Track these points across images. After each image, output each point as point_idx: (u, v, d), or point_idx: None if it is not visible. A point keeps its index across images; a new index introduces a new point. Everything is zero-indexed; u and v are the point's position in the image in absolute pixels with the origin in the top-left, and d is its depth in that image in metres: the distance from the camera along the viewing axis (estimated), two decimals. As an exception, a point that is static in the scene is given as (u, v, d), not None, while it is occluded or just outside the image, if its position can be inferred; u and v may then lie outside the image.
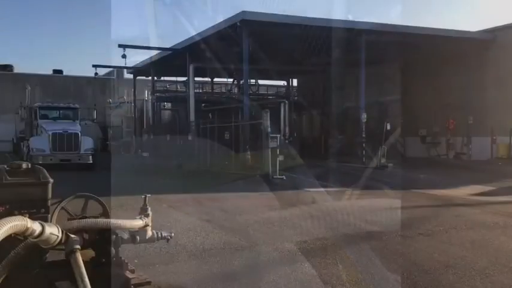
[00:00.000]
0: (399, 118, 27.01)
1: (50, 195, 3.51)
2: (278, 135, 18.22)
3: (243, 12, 19.83)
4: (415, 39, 23.01)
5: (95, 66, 31.23)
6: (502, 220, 9.10)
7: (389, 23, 22.43)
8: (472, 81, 24.40)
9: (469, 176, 17.74)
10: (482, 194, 13.70)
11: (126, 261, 3.37)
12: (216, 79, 37.49)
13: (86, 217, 3.24)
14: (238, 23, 19.97)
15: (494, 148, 23.36)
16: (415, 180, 16.77)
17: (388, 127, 21.39)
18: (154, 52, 29.42)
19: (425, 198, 12.82)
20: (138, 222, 3.28)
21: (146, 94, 35.92)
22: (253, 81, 35.85)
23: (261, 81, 39.11)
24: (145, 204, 3.44)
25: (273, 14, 20.58)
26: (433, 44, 23.84)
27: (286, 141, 26.19)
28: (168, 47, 27.86)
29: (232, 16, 20.56)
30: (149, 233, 3.42)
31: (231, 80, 36.29)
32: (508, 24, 24.35)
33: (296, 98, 36.45)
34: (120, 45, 24.42)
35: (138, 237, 3.35)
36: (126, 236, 3.29)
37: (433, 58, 25.80)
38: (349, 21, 21.68)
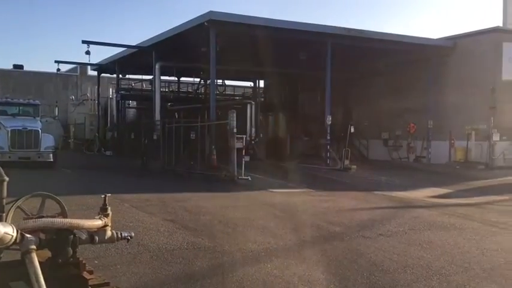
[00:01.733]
0: (363, 121, 27.56)
1: (5, 194, 3.40)
2: (244, 136, 18.23)
3: (211, 12, 19.75)
4: (380, 45, 23.48)
5: (57, 62, 30.44)
6: (459, 222, 9.41)
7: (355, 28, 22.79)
8: (433, 87, 25.10)
9: (428, 178, 18.25)
10: (440, 197, 14.13)
11: (84, 261, 3.30)
12: (182, 78, 37.21)
13: (42, 217, 3.16)
14: (205, 23, 19.88)
15: (452, 152, 24.08)
16: (377, 182, 17.14)
17: (352, 130, 21.74)
18: (120, 49, 28.92)
19: (386, 199, 13.10)
20: (97, 222, 3.22)
21: (110, 92, 35.29)
22: (220, 81, 35.77)
23: (228, 82, 39.07)
24: (105, 204, 3.38)
25: (240, 14, 20.57)
26: (397, 50, 24.40)
27: (252, 142, 26.29)
28: (134, 44, 27.43)
29: (200, 16, 20.44)
30: (109, 233, 3.36)
31: (198, 79, 36.11)
32: (467, 32, 25.19)
33: (263, 99, 36.60)
34: (84, 41, 23.89)
35: (96, 238, 3.29)
36: (84, 236, 3.23)
37: (397, 63, 26.39)
38: (315, 24, 21.90)
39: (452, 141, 23.92)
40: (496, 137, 22.22)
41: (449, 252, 6.94)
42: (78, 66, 41.18)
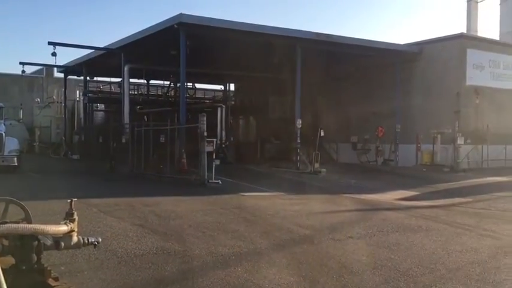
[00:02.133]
0: (333, 125, 27.87)
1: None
2: (214, 140, 18.18)
3: (181, 14, 19.62)
4: (349, 49, 23.84)
5: (22, 63, 29.66)
6: (425, 223, 9.61)
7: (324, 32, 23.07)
8: (401, 91, 25.64)
9: (396, 181, 18.59)
10: (407, 199, 14.40)
11: (49, 268, 3.20)
12: (152, 81, 36.83)
13: (5, 222, 3.05)
14: (175, 25, 19.75)
15: (419, 155, 24.63)
16: (346, 185, 17.35)
17: (322, 133, 21.97)
18: (88, 51, 28.39)
19: (355, 202, 13.27)
20: (62, 228, 3.13)
21: (78, 94, 34.60)
22: (190, 84, 35.57)
23: (198, 85, 38.91)
24: (71, 209, 3.29)
25: (210, 18, 20.50)
26: (365, 55, 24.81)
27: (223, 145, 26.24)
28: (102, 46, 26.99)
29: (170, 18, 20.29)
30: (75, 238, 3.27)
31: (168, 82, 35.82)
32: (433, 38, 25.86)
33: (233, 102, 36.60)
34: (50, 43, 23.33)
35: (62, 243, 3.20)
36: (49, 242, 3.13)
37: (366, 68, 26.85)
38: (285, 29, 22.06)
39: (419, 145, 24.47)
40: (460, 141, 22.85)
41: (416, 254, 7.07)
42: (44, 68, 40.23)
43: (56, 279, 3.24)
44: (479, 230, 9.09)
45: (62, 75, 35.64)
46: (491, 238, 8.36)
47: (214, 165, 16.40)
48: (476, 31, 44.51)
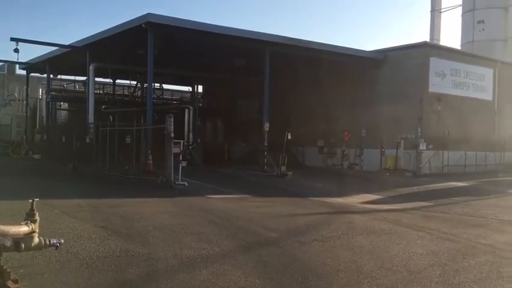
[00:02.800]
0: (300, 128, 28.11)
1: None
2: (181, 141, 18.03)
3: (148, 14, 19.39)
4: (317, 54, 24.12)
5: (-18, 59, 28.64)
6: (388, 227, 9.81)
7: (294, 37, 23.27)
8: (366, 97, 26.11)
9: (361, 185, 18.90)
10: (371, 202, 14.68)
11: (8, 270, 3.11)
12: (118, 81, 36.22)
13: (-38, 223, 2.95)
14: (143, 25, 19.51)
15: (383, 160, 25.13)
16: (312, 188, 17.53)
17: (289, 137, 22.11)
18: (52, 48, 27.68)
19: (321, 205, 13.43)
20: (23, 229, 3.05)
21: (40, 92, 33.69)
22: (157, 85, 35.19)
23: (165, 86, 38.53)
24: (32, 209, 3.21)
25: (178, 18, 20.33)
26: (332, 60, 25.15)
27: (190, 147, 26.05)
28: (67, 43, 26.34)
29: (137, 17, 20.01)
30: (36, 240, 3.19)
31: (135, 82, 35.32)
32: (397, 46, 26.47)
33: (201, 104, 36.43)
34: (12, 39, 22.65)
35: (22, 245, 3.12)
36: (9, 243, 3.04)
37: (332, 73, 27.20)
38: (254, 32, 22.12)
39: (383, 150, 24.95)
40: (422, 146, 23.43)
41: (379, 256, 7.21)
42: (6, 64, 38.97)
43: (15, 281, 3.16)
44: (439, 233, 9.34)
45: (24, 72, 34.63)
46: (451, 241, 8.61)
47: (181, 167, 16.27)
48: (439, 40, 46.04)
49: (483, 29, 40.59)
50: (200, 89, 39.94)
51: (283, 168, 20.87)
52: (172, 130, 16.05)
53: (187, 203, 12.49)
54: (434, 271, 6.49)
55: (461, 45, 41.98)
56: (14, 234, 2.98)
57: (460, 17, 43.48)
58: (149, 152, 18.46)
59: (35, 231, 3.16)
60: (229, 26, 22.10)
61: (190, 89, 39.19)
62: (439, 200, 15.12)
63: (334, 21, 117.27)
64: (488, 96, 28.55)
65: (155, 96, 31.34)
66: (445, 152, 24.76)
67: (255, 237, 8.26)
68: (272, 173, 21.17)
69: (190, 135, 27.25)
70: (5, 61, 34.63)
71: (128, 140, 19.53)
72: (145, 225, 8.92)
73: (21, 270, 5.45)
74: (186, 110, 28.11)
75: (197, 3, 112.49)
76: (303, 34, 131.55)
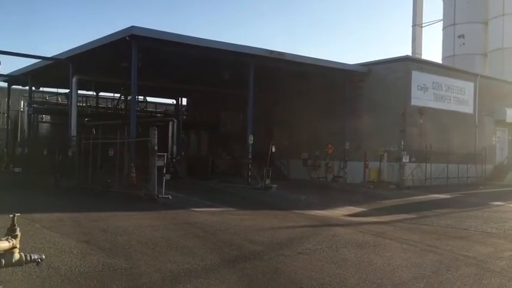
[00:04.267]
0: (284, 141, 28.21)
1: None
2: (165, 154, 17.93)
3: (132, 27, 19.36)
4: (300, 67, 24.30)
5: (-38, 71, 28.20)
6: (372, 239, 9.85)
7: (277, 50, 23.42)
8: (350, 110, 26.36)
9: (345, 198, 18.98)
10: (355, 215, 14.73)
11: (-13, 287, 3.04)
12: (101, 93, 35.98)
13: None
14: (127, 37, 19.46)
15: (367, 172, 25.30)
16: (296, 201, 17.54)
17: (273, 149, 22.16)
18: (34, 60, 27.41)
19: (305, 218, 13.43)
20: (3, 244, 2.99)
21: (22, 105, 33.25)
22: (141, 97, 35.05)
23: (149, 98, 38.40)
24: (13, 225, 3.15)
25: (162, 31, 20.34)
26: (316, 73, 25.36)
27: (174, 160, 25.92)
28: (50, 56, 26.11)
29: (121, 30, 19.96)
30: (16, 255, 3.13)
31: (118, 95, 35.13)
32: (380, 60, 26.84)
33: (185, 117, 36.36)
34: (-7, 51, 22.37)
35: (3, 260, 3.05)
36: (-12, 259, 2.98)
37: (317, 86, 27.44)
38: (238, 45, 22.22)
39: (367, 162, 25.14)
40: (405, 159, 23.68)
41: (363, 269, 7.22)
42: (-14, 76, 38.41)
43: (-6, 298, 3.08)
44: (422, 245, 9.40)
45: (5, 84, 34.15)
46: (434, 253, 8.67)
47: (164, 180, 16.15)
48: (421, 54, 46.82)
49: (463, 43, 41.42)
50: (184, 101, 39.91)
51: (268, 181, 20.87)
52: (156, 143, 15.96)
53: (170, 217, 12.37)
54: (418, 283, 6.52)
55: (443, 59, 42.74)
56: (-7, 250, 2.92)
57: (441, 32, 44.33)
58: (132, 165, 18.30)
59: (16, 247, 3.10)
60: (215, 38, 22.16)
61: (174, 102, 39.12)
62: (422, 212, 15.25)
63: (318, 34, 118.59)
64: (469, 109, 29.05)
65: (139, 108, 31.18)
66: (428, 165, 25.05)
67: (239, 251, 8.22)
68: (256, 186, 21.14)
69: (174, 148, 27.14)
70: (-14, 73, 34.13)
71: (111, 152, 19.33)
72: (128, 239, 8.82)
73: (1, 286, 5.33)
74: (170, 123, 28.01)
75: (183, 15, 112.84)
76: (287, 47, 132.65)
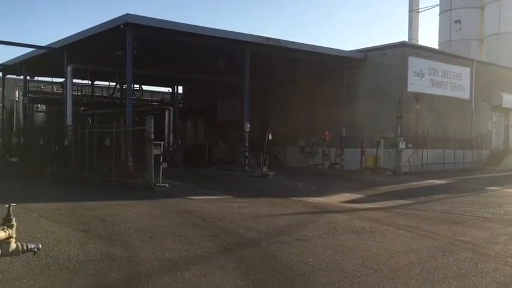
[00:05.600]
0: (281, 128, 28.20)
1: None
2: (162, 142, 17.89)
3: (127, 14, 19.18)
4: (296, 54, 24.20)
5: (-45, 60, 27.98)
6: (369, 225, 9.90)
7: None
8: (346, 96, 26.34)
9: (341, 184, 19.04)
10: (352, 201, 14.79)
11: (-16, 277, 3.04)
12: (97, 82, 35.78)
13: None
14: (122, 25, 19.30)
15: (364, 159, 25.36)
16: (293, 189, 17.58)
17: (270, 137, 22.14)
18: (28, 49, 27.19)
19: (302, 205, 13.48)
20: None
21: (17, 94, 33.08)
22: (137, 86, 34.89)
23: (145, 87, 38.24)
24: (9, 214, 3.15)
25: (158, 19, 20.16)
26: (312, 60, 25.26)
27: (170, 148, 25.90)
28: (44, 45, 25.90)
29: (116, 18, 19.79)
30: (13, 245, 3.13)
31: (114, 84, 34.96)
32: (376, 46, 26.73)
33: (181, 105, 36.25)
34: (-13, 40, 22.19)
35: (-1, 250, 3.05)
36: (-15, 249, 2.98)
37: (313, 73, 27.36)
38: (234, 32, 22.08)
39: (363, 149, 25.18)
40: (402, 145, 23.73)
41: (360, 255, 7.27)
42: (-20, 66, 38.15)
43: (-8, 288, 3.08)
44: (419, 230, 9.47)
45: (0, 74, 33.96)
46: (430, 238, 8.73)
47: (161, 169, 16.16)
48: (417, 40, 46.67)
49: (460, 29, 41.31)
50: (180, 89, 39.77)
51: (265, 168, 20.89)
52: (152, 131, 15.91)
53: (168, 205, 12.40)
54: (414, 268, 6.57)
55: (439, 44, 42.65)
56: (-11, 240, 2.92)
57: (438, 17, 44.17)
58: (129, 153, 18.27)
59: (12, 237, 3.10)
60: (210, 26, 22.03)
61: (170, 90, 38.97)
62: (418, 198, 15.32)
63: (313, 21, 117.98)
64: (465, 94, 29.06)
65: (135, 97, 31.07)
66: (424, 151, 25.12)
67: (236, 238, 8.25)
68: (253, 174, 21.17)
69: (171, 136, 27.09)
70: (-20, 63, 33.87)
71: (107, 142, 19.27)
72: (126, 228, 8.84)
73: (-1, 276, 5.35)
74: (166, 111, 27.93)
75: (177, 3, 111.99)
76: (283, 34, 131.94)
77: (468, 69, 29.15)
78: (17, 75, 33.20)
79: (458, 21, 41.37)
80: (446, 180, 21.57)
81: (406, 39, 43.41)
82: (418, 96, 25.52)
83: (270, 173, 20.90)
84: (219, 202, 13.54)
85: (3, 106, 32.73)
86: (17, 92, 33.37)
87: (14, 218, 3.15)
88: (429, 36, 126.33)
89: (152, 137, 15.86)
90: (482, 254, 7.58)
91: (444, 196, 16.19)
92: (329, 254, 7.28)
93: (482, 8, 41.10)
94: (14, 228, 3.13)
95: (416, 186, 19.25)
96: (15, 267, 5.87)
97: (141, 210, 11.19)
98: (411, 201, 14.64)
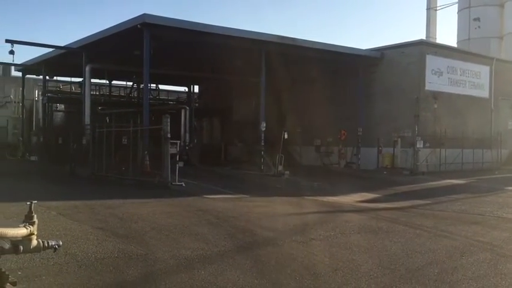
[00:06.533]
0: (297, 128, 28.13)
1: None
2: (178, 141, 17.99)
3: (144, 14, 19.37)
4: (312, 53, 24.13)
5: (-23, 61, 28.52)
6: (385, 225, 9.83)
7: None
8: (363, 95, 26.15)
9: (358, 184, 18.92)
10: (369, 201, 14.70)
11: (6, 273, 3.09)
12: (114, 82, 36.15)
13: (-40, 226, 2.93)
14: (139, 25, 19.48)
15: (380, 158, 25.17)
16: (309, 188, 17.53)
17: (286, 136, 22.11)
18: (47, 50, 27.59)
19: (318, 204, 13.43)
20: (21, 231, 3.03)
21: (36, 94, 33.59)
22: (154, 85, 35.14)
23: (162, 86, 38.49)
24: (30, 212, 3.19)
25: (174, 18, 20.32)
26: (328, 59, 25.16)
27: (187, 147, 26.03)
28: (63, 45, 26.26)
29: (133, 18, 19.99)
30: (34, 242, 3.17)
31: (131, 83, 35.27)
32: (394, 44, 26.52)
33: (197, 104, 36.40)
34: (7, 40, 22.55)
35: (21, 247, 3.09)
36: (7, 245, 3.02)
37: (329, 72, 27.23)
38: (250, 31, 22.12)
39: (380, 148, 24.99)
40: (419, 144, 23.51)
41: (377, 255, 7.22)
42: (1, 66, 38.83)
43: (14, 284, 3.14)
44: (437, 231, 9.36)
45: (19, 74, 34.52)
46: (448, 239, 8.63)
47: (177, 167, 16.24)
48: (435, 38, 46.11)
49: (479, 27, 40.71)
50: (196, 89, 39.93)
51: (280, 167, 20.86)
52: (168, 130, 16.01)
53: (184, 204, 12.47)
54: (432, 269, 6.50)
55: (458, 42, 42.10)
56: (12, 237, 2.96)
57: (456, 15, 43.59)
58: (146, 152, 18.42)
59: (34, 234, 3.14)
60: (225, 25, 22.12)
61: (187, 89, 39.16)
62: (436, 198, 15.15)
63: (330, 20, 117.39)
64: (484, 93, 28.65)
65: (151, 96, 31.28)
66: (442, 150, 24.83)
67: (252, 237, 8.26)
68: (269, 173, 21.16)
69: (187, 135, 27.24)
70: (0, 63, 34.49)
71: (125, 141, 19.46)
72: (143, 226, 8.91)
73: (19, 273, 5.44)
74: (183, 110, 28.09)
75: (193, 3, 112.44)
76: (299, 33, 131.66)
77: (487, 68, 28.73)
78: (36, 75, 33.74)
79: (477, 19, 40.77)
80: (465, 180, 21.28)
81: (424, 38, 42.91)
82: (436, 95, 25.23)
83: (286, 172, 20.86)
84: (235, 201, 13.56)
85: (23, 106, 33.26)
86: (36, 91, 33.86)
87: (35, 215, 3.20)
88: (447, 34, 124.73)
89: (169, 136, 15.97)
90: (502, 255, 7.46)
91: (462, 196, 15.99)
92: (345, 253, 7.25)
93: (501, 6, 40.44)
94: (36, 225, 3.18)
95: (434, 186, 19.04)
96: (34, 264, 5.97)
97: (157, 209, 11.28)
98: (429, 201, 14.48)
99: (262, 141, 22.41)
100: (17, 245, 3.08)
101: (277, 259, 6.81)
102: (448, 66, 26.34)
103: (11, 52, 22.87)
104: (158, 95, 37.22)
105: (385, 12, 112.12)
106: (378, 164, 25.08)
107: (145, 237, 7.95)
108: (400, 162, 24.36)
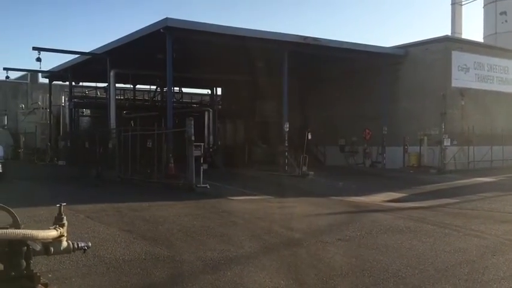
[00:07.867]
0: (320, 128, 27.96)
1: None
2: (202, 144, 18.09)
3: (166, 18, 19.57)
4: (335, 52, 23.96)
5: (6, 69, 29.32)
6: (413, 225, 9.67)
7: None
8: (387, 94, 25.83)
9: (384, 183, 18.70)
10: (395, 201, 14.49)
11: (38, 274, 3.16)
12: (138, 86, 36.63)
13: (-7, 228, 2.99)
14: (161, 29, 19.69)
15: (406, 157, 24.80)
16: (334, 188, 17.41)
17: (310, 136, 22.00)
18: (73, 56, 28.15)
19: (344, 204, 13.32)
20: (52, 233, 3.09)
21: (63, 100, 34.29)
22: (177, 88, 35.44)
23: (185, 89, 38.80)
24: (60, 214, 3.25)
25: (196, 22, 20.48)
26: (351, 58, 24.95)
27: (210, 149, 26.16)
28: (88, 51, 26.76)
29: (156, 22, 20.22)
30: (64, 243, 3.23)
31: (154, 87, 35.67)
32: (418, 41, 26.11)
33: (220, 106, 36.55)
34: (34, 48, 23.12)
35: (52, 249, 3.16)
36: (38, 247, 3.09)
37: (352, 71, 27.01)
38: (272, 32, 22.11)
39: (406, 147, 24.64)
40: (446, 142, 23.08)
41: (405, 255, 7.11)
42: (29, 73, 39.80)
43: (46, 285, 3.21)
44: (466, 230, 9.17)
45: (46, 80, 35.32)
46: (479, 238, 8.43)
47: (202, 170, 16.34)
48: (461, 33, 45.14)
49: (506, 21, 39.70)
50: (219, 91, 40.11)
51: (304, 168, 20.78)
52: (192, 133, 16.12)
53: (209, 205, 12.53)
54: (462, 269, 6.37)
55: (484, 37, 41.17)
56: (43, 239, 3.03)
57: (482, 9, 42.66)
58: (170, 155, 18.58)
59: (64, 235, 3.20)
60: (246, 27, 22.14)
61: (209, 92, 39.36)
62: (465, 197, 14.85)
63: (354, 19, 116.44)
64: (513, 89, 27.95)
65: (175, 99, 31.58)
66: (470, 148, 24.33)
67: (278, 238, 8.24)
68: (293, 173, 21.10)
69: (211, 137, 27.38)
70: (28, 70, 35.34)
71: (149, 144, 19.68)
72: (169, 228, 8.99)
73: (50, 275, 5.55)
74: (206, 113, 28.25)
75: (211, 5, 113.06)
76: (323, 33, 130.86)
77: (515, 62, 28.03)
78: (62, 81, 34.46)
79: (504, 13, 39.77)
80: (494, 177, 20.79)
81: (449, 34, 42.14)
82: (463, 92, 24.75)
83: (310, 172, 20.77)
84: (260, 202, 13.55)
85: (50, 111, 33.98)
86: (63, 97, 34.59)
87: (65, 217, 3.26)
88: (473, 30, 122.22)
89: (193, 138, 16.07)
90: (535, 254, 7.26)
91: (492, 194, 15.61)
92: (372, 254, 7.16)
93: (529, -2, 39.38)
94: (65, 227, 3.24)
95: (463, 185, 18.67)
96: (64, 266, 6.08)
97: (183, 211, 11.35)
98: (457, 200, 14.20)
99: (286, 142, 22.35)
100: (48, 247, 3.14)
101: (303, 260, 6.78)
102: (474, 62, 25.81)
103: (38, 59, 23.43)
104: (181, 98, 37.54)
105: (409, 8, 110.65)
106: (404, 163, 24.73)
107: (171, 239, 8.01)
108: (427, 161, 23.96)
